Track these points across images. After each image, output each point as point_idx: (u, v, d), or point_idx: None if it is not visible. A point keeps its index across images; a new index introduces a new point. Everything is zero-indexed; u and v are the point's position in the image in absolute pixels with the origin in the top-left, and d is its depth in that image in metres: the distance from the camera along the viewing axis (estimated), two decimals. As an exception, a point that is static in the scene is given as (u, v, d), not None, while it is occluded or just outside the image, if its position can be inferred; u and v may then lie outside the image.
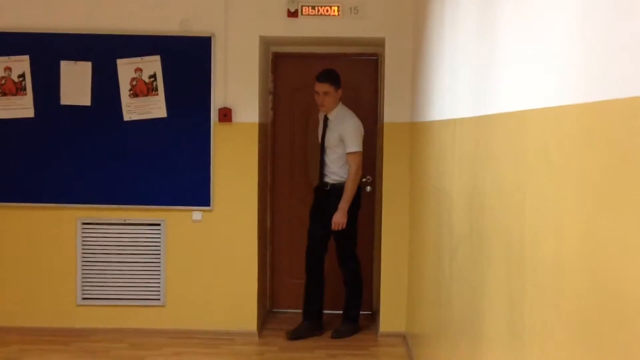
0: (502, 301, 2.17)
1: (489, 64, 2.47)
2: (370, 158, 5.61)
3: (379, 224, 5.32)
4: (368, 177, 5.59)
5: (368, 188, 5.61)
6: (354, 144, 4.98)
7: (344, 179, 5.01)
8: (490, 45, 2.47)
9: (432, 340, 3.81)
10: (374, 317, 5.61)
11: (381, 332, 5.17)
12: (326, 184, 5.07)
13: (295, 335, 5.02)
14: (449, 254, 3.18)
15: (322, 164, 5.10)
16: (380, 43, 5.19)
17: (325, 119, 5.08)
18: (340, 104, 5.07)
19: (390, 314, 5.15)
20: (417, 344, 4.49)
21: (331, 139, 5.03)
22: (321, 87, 4.96)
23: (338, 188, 5.01)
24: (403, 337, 5.09)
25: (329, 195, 5.04)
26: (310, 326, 5.05)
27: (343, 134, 4.98)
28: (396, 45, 5.07)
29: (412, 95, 4.96)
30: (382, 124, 5.24)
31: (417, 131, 4.62)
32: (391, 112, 5.13)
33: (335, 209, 4.97)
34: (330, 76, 4.98)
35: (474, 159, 2.69)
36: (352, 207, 5.03)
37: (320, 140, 5.13)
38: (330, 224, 4.98)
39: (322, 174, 5.10)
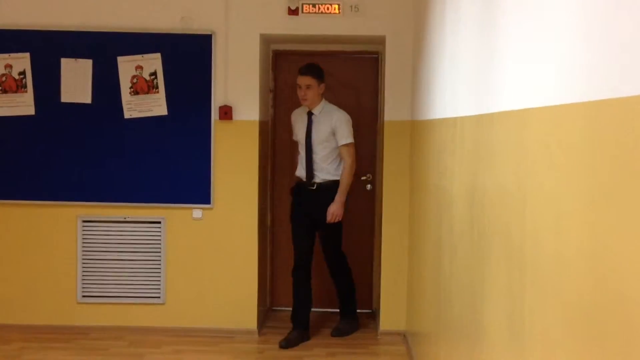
0: (503, 300, 2.17)
1: (490, 62, 2.47)
2: (370, 156, 5.61)
3: (379, 222, 5.32)
4: (368, 175, 5.60)
5: (368, 186, 5.61)
6: (348, 136, 4.91)
7: (333, 177, 4.91)
8: (491, 43, 2.47)
9: (432, 339, 3.81)
10: (374, 315, 5.61)
11: (381, 331, 5.17)
12: (313, 183, 4.92)
13: (286, 344, 4.87)
14: (449, 252, 3.18)
15: (309, 162, 4.93)
16: (380, 41, 5.19)
17: (309, 114, 4.95)
18: (324, 99, 4.98)
19: (391, 313, 5.15)
20: (417, 342, 4.49)
21: (320, 134, 4.90)
22: (304, 80, 4.86)
23: (326, 187, 4.90)
24: (403, 336, 5.09)
25: (315, 195, 4.91)
26: (300, 334, 4.95)
27: (335, 126, 4.88)
28: (397, 43, 5.07)
29: (412, 93, 4.96)
30: (383, 122, 5.23)
31: (418, 129, 4.61)
32: (391, 111, 5.12)
33: (323, 209, 4.88)
34: (313, 69, 4.89)
35: (474, 157, 2.69)
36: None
37: (305, 138, 4.95)
38: (317, 226, 4.92)
39: (309, 173, 4.93)
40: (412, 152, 4.96)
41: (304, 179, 4.94)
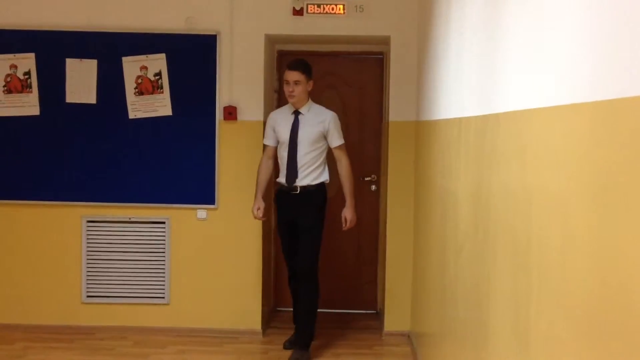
0: (508, 301, 2.16)
1: (495, 62, 2.46)
2: (375, 157, 5.60)
3: (384, 222, 5.31)
4: (373, 175, 5.59)
5: (373, 187, 5.61)
6: (341, 136, 4.69)
7: (317, 181, 4.63)
8: (496, 43, 2.46)
9: (437, 340, 3.80)
10: (378, 316, 5.60)
11: (386, 332, 5.16)
12: (296, 187, 4.64)
13: (290, 345, 4.79)
14: (454, 252, 3.17)
15: (293, 165, 4.63)
16: (385, 41, 5.18)
17: (296, 114, 4.67)
18: (310, 98, 4.71)
19: (395, 313, 5.14)
20: (422, 343, 4.48)
21: (309, 135, 4.62)
22: (292, 76, 4.59)
23: (310, 191, 4.63)
24: (408, 337, 5.08)
25: (299, 200, 4.63)
26: None
27: (328, 127, 4.63)
28: (401, 44, 5.06)
29: (417, 93, 4.95)
30: (387, 123, 5.23)
31: (423, 130, 4.61)
32: (396, 111, 5.11)
33: (307, 215, 4.62)
34: (302, 65, 4.64)
35: (479, 157, 2.68)
36: (322, 210, 4.70)
37: (289, 139, 4.64)
38: (298, 231, 4.64)
39: (292, 177, 4.64)
40: (417, 153, 4.95)
41: (286, 184, 4.67)
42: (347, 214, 4.68)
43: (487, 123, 2.56)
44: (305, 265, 4.63)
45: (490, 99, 2.52)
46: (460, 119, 3.12)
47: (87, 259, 5.16)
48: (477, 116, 2.73)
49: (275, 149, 4.77)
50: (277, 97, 5.64)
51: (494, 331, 2.36)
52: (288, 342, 4.86)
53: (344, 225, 4.70)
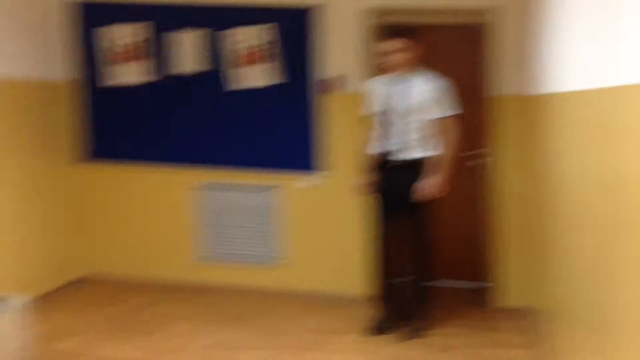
0: (633, 286, 2.06)
1: (617, 26, 2.32)
2: (479, 131, 5.45)
3: (496, 196, 5.19)
4: (478, 149, 5.44)
5: (478, 161, 5.47)
6: (454, 106, 4.35)
7: (423, 154, 4.36)
8: (617, 5, 2.32)
9: (557, 318, 3.71)
10: (491, 290, 5.50)
11: (499, 307, 5.10)
12: (400, 159, 4.38)
13: (379, 331, 4.57)
14: (574, 229, 3.06)
15: (397, 135, 4.36)
16: (488, 12, 5.02)
17: (401, 81, 4.41)
18: (418, 64, 4.42)
19: (510, 288, 5.09)
20: (540, 319, 4.39)
21: (416, 102, 4.33)
22: (389, 45, 4.33)
23: (413, 165, 4.35)
24: (522, 312, 4.98)
25: (402, 175, 4.38)
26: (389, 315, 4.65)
27: (438, 94, 4.33)
28: (507, 14, 4.91)
29: (525, 65, 4.78)
30: (494, 97, 5.07)
31: (533, 104, 4.45)
32: (502, 84, 4.98)
33: (409, 191, 4.35)
34: (399, 32, 4.36)
35: (600, 132, 2.56)
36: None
37: (397, 106, 4.38)
38: (402, 208, 4.41)
39: (396, 148, 4.38)
40: (529, 127, 4.79)
41: (387, 156, 4.42)
42: (426, 182, 4.31)
43: (606, 97, 2.43)
44: (420, 245, 4.46)
45: (611, 70, 2.39)
46: (576, 93, 2.99)
47: (202, 224, 5.48)
48: (595, 89, 2.60)
49: (378, 117, 4.49)
50: (378, 69, 5.59)
51: (615, 314, 2.26)
52: (377, 326, 4.58)
53: (415, 194, 4.34)
